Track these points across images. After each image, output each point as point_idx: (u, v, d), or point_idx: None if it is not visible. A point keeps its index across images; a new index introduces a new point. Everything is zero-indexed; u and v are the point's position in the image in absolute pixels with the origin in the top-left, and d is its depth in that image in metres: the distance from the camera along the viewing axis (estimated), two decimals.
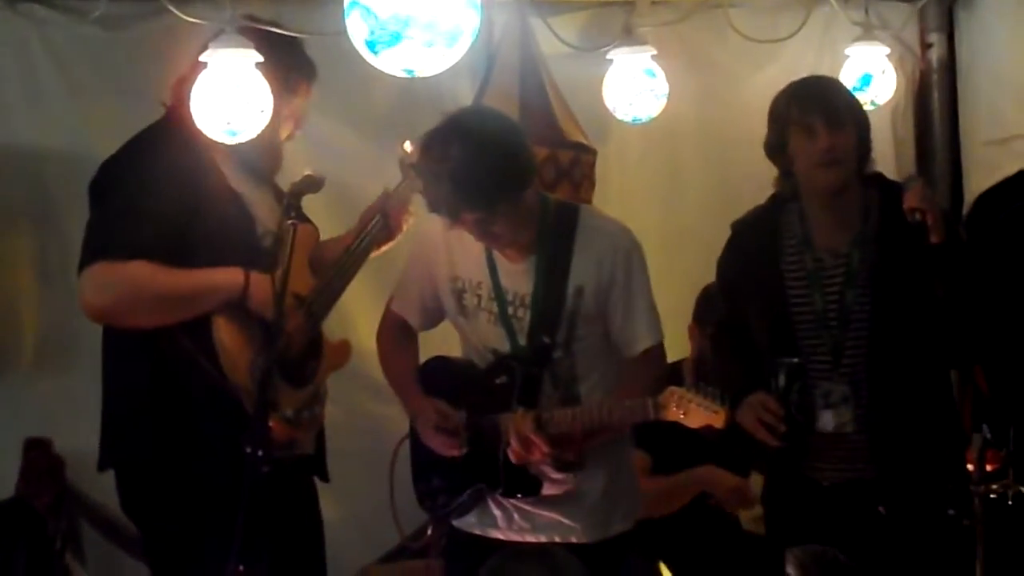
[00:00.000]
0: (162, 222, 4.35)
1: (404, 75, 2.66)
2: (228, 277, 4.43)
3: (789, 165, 4.64)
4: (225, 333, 4.42)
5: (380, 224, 4.86)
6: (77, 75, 5.71)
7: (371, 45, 2.59)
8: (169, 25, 5.08)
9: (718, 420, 4.25)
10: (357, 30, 2.59)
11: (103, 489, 4.89)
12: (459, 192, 4.19)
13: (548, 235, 4.51)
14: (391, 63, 2.60)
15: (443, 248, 4.62)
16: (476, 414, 4.55)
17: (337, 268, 4.81)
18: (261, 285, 4.35)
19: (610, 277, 4.50)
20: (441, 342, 4.97)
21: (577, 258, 4.49)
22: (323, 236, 4.95)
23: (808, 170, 4.55)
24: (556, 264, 4.49)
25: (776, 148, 4.67)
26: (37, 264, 5.74)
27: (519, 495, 4.55)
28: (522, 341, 4.52)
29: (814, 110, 4.49)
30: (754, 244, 4.78)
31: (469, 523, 4.68)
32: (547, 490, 4.52)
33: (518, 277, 4.51)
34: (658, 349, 4.62)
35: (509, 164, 4.27)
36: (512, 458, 4.43)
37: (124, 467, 4.61)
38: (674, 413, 4.27)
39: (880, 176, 4.74)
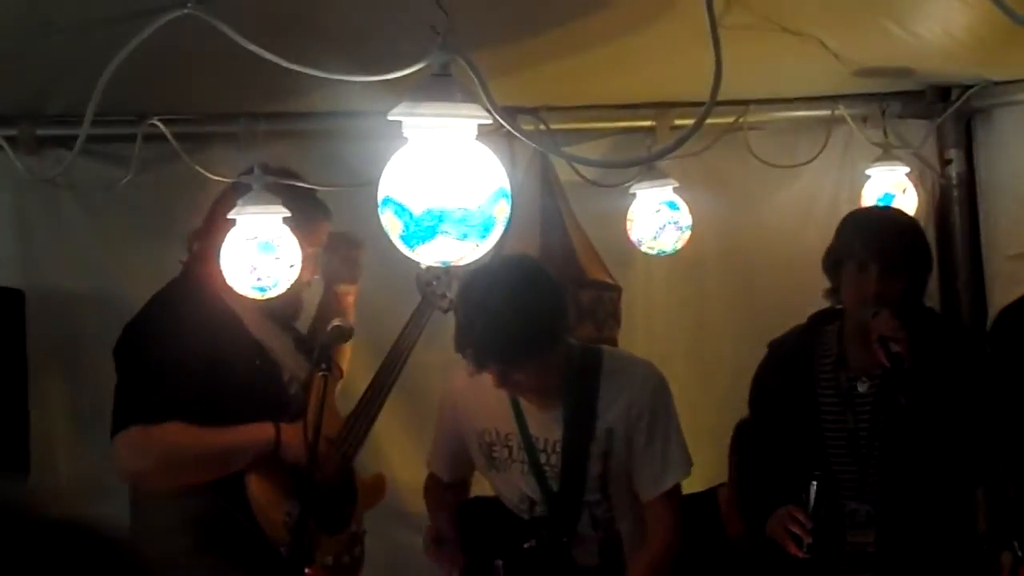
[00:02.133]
0: (191, 381, 4.41)
1: (440, 265, 2.69)
2: (260, 432, 4.48)
3: (838, 286, 4.66)
4: (257, 488, 4.46)
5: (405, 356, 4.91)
6: (104, 218, 5.76)
7: (406, 240, 2.62)
8: (193, 168, 5.12)
9: None
10: (392, 226, 2.62)
11: None
12: (490, 343, 4.19)
13: (574, 380, 4.53)
14: (427, 256, 2.63)
15: (470, 403, 4.66)
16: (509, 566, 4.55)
17: (364, 408, 4.86)
18: (292, 435, 4.42)
19: (637, 417, 4.52)
20: None
21: (604, 401, 4.52)
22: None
23: (853, 303, 4.58)
24: (584, 408, 4.51)
25: (830, 267, 4.71)
26: (70, 408, 5.77)
27: None
28: (555, 487, 4.53)
29: (874, 251, 4.53)
30: (790, 363, 4.82)
31: None
32: None
33: (547, 424, 4.53)
34: (678, 490, 4.65)
35: (544, 323, 4.29)
36: None
37: None
38: None
39: (925, 308, 4.77)
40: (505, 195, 2.70)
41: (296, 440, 4.43)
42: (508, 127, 2.64)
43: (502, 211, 2.69)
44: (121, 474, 4.50)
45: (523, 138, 2.65)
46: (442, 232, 2.59)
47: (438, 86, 2.61)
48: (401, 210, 2.60)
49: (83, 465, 5.66)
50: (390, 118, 2.65)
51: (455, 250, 2.65)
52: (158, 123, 5.05)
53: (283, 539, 4.40)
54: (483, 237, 2.66)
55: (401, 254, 2.73)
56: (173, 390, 4.38)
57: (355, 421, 4.87)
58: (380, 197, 2.66)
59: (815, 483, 4.52)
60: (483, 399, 4.58)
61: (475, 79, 2.58)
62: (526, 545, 4.53)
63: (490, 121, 2.65)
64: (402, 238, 2.63)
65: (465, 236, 2.62)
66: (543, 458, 4.53)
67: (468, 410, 4.65)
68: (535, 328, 4.24)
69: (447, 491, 4.88)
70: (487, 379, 4.43)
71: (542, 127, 5.80)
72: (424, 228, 2.59)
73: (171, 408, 4.36)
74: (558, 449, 4.52)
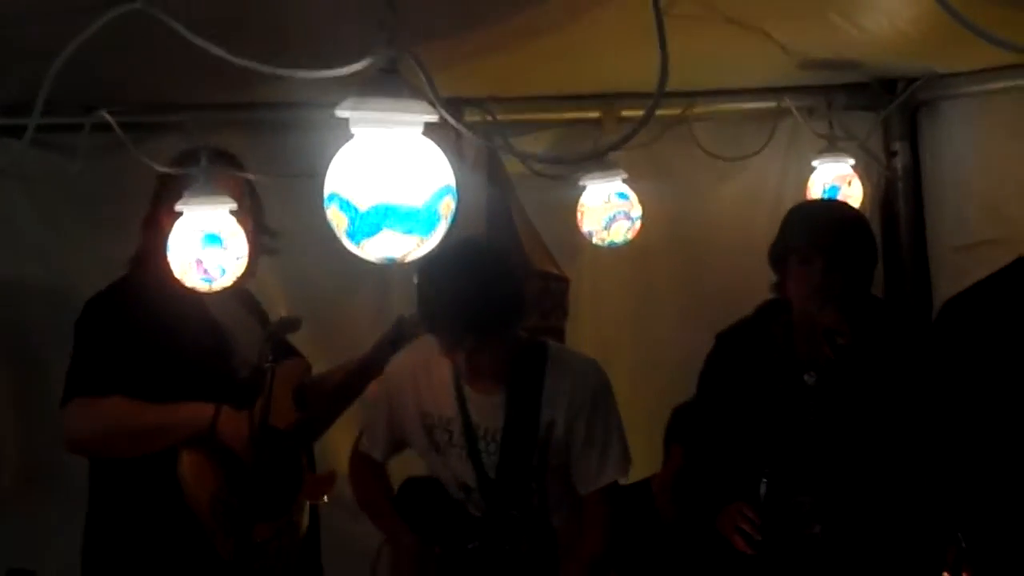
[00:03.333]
0: (136, 356, 4.51)
1: (384, 263, 2.70)
2: (198, 411, 4.54)
3: (783, 279, 4.70)
4: (188, 465, 4.51)
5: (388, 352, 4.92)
6: (51, 207, 5.74)
7: (351, 236, 2.63)
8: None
9: None
10: (337, 221, 2.63)
11: None
12: (461, 317, 4.23)
13: (519, 369, 4.55)
14: (371, 252, 2.64)
15: (410, 384, 4.65)
16: (447, 556, 4.61)
17: (328, 403, 4.89)
18: (231, 418, 4.46)
19: (577, 411, 4.54)
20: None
21: (547, 392, 4.54)
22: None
23: (798, 297, 4.62)
24: (527, 398, 4.53)
25: (776, 260, 4.75)
26: (17, 397, 5.77)
27: None
28: (491, 475, 4.55)
29: (818, 245, 4.56)
30: (738, 355, 4.85)
31: None
32: None
33: (489, 411, 4.54)
34: (615, 485, 4.68)
35: (513, 296, 4.35)
36: None
37: None
38: None
39: (871, 298, 4.80)
40: (451, 192, 2.71)
41: (233, 423, 4.49)
42: (456, 125, 2.65)
43: (447, 207, 2.70)
44: (66, 443, 4.60)
45: (469, 134, 2.66)
46: (387, 227, 2.60)
47: (385, 82, 2.61)
48: (346, 206, 2.61)
49: (31, 451, 5.66)
50: (337, 114, 2.66)
51: (400, 246, 2.66)
52: (106, 115, 5.04)
53: (207, 517, 4.50)
54: (428, 233, 2.67)
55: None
56: (118, 364, 4.50)
57: (309, 419, 4.90)
58: (326, 193, 2.66)
59: (765, 480, 4.55)
60: (427, 382, 4.61)
61: (422, 76, 2.59)
62: (470, 546, 4.56)
63: (437, 118, 2.66)
64: (347, 233, 2.63)
65: (410, 232, 2.63)
66: (482, 445, 4.55)
67: (411, 392, 4.65)
68: (506, 299, 4.31)
69: (377, 471, 4.89)
70: (431, 362, 4.52)
71: (488, 118, 5.79)
72: (369, 224, 2.60)
73: (114, 382, 4.48)
74: (498, 438, 4.54)
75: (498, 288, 4.28)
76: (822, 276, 4.52)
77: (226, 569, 4.38)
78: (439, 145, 2.75)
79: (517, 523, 4.56)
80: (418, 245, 2.68)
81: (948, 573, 4.61)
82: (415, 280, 4.35)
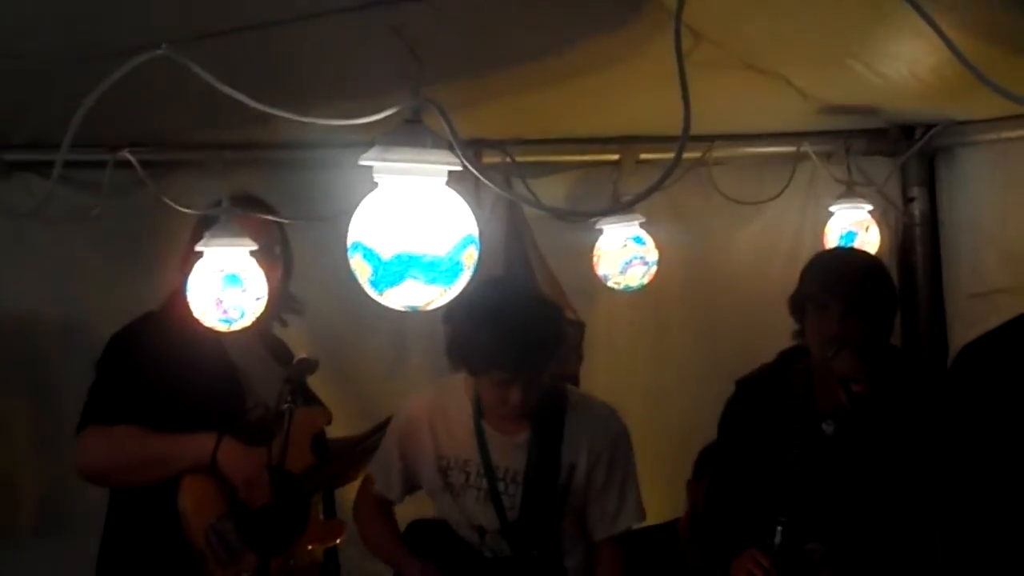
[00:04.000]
0: (151, 392, 4.59)
1: (407, 311, 2.71)
2: (200, 442, 4.61)
3: (803, 328, 4.72)
4: (188, 494, 4.57)
5: None
6: (69, 243, 5.75)
7: (375, 284, 2.64)
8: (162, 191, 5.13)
9: None
10: (361, 270, 2.65)
11: None
12: (503, 350, 4.24)
13: (542, 412, 4.55)
14: (395, 301, 2.66)
15: (427, 427, 4.66)
16: None
17: (341, 454, 4.91)
18: (231, 450, 4.51)
19: (598, 457, 4.56)
20: None
21: (569, 436, 4.55)
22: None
23: (816, 344, 4.62)
24: (550, 440, 4.54)
25: (795, 308, 4.76)
26: (33, 430, 5.78)
27: None
28: (512, 517, 4.55)
29: (835, 294, 4.57)
30: (758, 403, 4.85)
31: None
32: None
33: (511, 453, 4.55)
34: (630, 532, 4.71)
35: (555, 328, 4.41)
36: None
37: None
38: None
39: (889, 347, 4.80)
40: (473, 241, 2.73)
41: (234, 455, 4.56)
42: (478, 175, 2.66)
43: (470, 257, 2.71)
44: (79, 470, 4.68)
45: (493, 187, 2.67)
46: (410, 277, 2.62)
47: (409, 132, 2.64)
48: (370, 255, 2.63)
49: (44, 486, 5.67)
50: (361, 163, 2.67)
51: (423, 295, 2.67)
52: (128, 155, 5.07)
53: (201, 544, 4.56)
54: (451, 283, 2.69)
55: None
56: (131, 396, 4.59)
57: (324, 465, 4.92)
58: (349, 242, 2.68)
59: (780, 528, 4.55)
60: (443, 424, 4.62)
61: (445, 125, 2.60)
62: None
63: (460, 168, 2.68)
64: (371, 282, 2.65)
65: (433, 281, 2.65)
66: (501, 486, 4.55)
67: (427, 433, 4.65)
68: (550, 334, 4.39)
69: (387, 512, 4.91)
70: (447, 404, 4.59)
71: (507, 159, 5.81)
72: (392, 273, 2.62)
73: (126, 411, 4.58)
74: (518, 479, 4.54)
75: (537, 321, 4.32)
76: (838, 324, 4.53)
77: None
78: (458, 189, 2.77)
79: (537, 564, 4.55)
80: (441, 294, 2.70)
81: None
82: (446, 324, 4.37)
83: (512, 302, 4.34)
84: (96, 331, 4.95)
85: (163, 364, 4.61)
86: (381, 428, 4.92)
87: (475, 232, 2.73)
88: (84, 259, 5.79)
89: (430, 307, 2.73)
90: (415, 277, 2.62)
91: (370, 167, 2.71)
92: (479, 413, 4.55)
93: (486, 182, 2.66)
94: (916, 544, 4.75)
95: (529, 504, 4.53)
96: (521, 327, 4.23)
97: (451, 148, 2.65)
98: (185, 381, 4.62)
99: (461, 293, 2.74)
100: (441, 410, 4.59)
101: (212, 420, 4.64)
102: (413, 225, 2.63)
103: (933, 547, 4.92)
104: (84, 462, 4.64)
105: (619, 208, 5.63)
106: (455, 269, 2.67)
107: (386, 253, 2.61)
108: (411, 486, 4.80)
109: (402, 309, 2.72)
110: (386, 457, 4.80)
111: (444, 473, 4.62)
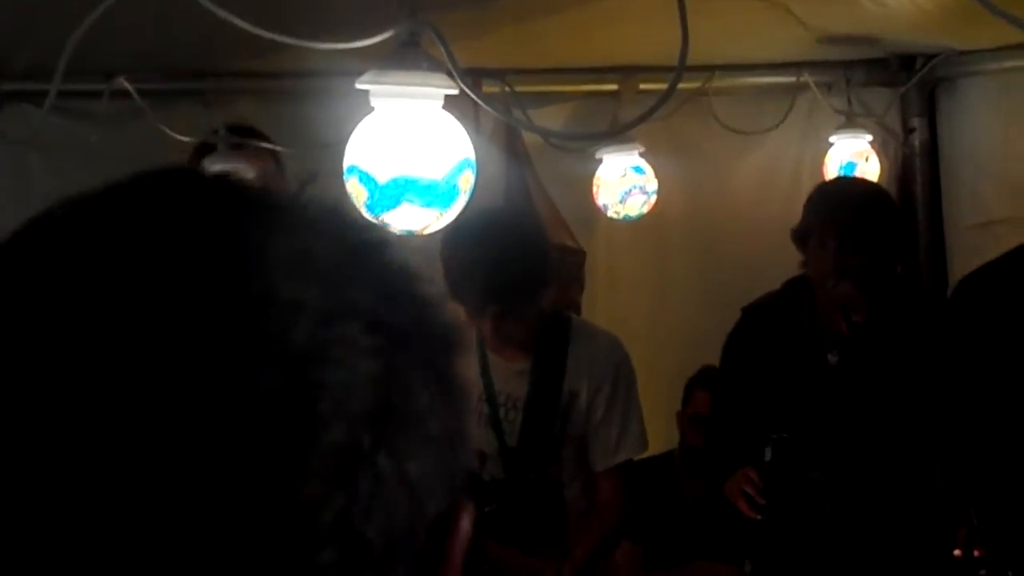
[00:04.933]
0: None
1: (403, 235, 2.70)
2: None
3: (807, 258, 4.73)
4: None
5: None
6: (69, 175, 5.72)
7: (371, 208, 2.63)
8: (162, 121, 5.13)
9: None
10: (357, 193, 2.64)
11: None
12: (492, 283, 4.23)
13: (544, 340, 4.55)
14: (391, 224, 2.65)
15: None
16: None
17: None
18: None
19: (599, 385, 4.55)
20: None
21: (571, 364, 4.54)
22: None
23: (818, 275, 4.62)
24: (552, 367, 4.53)
25: (798, 239, 4.75)
26: None
27: None
28: (511, 443, 4.55)
29: (831, 227, 4.57)
30: (764, 331, 4.85)
31: None
32: None
33: (513, 379, 4.55)
34: (630, 463, 4.69)
35: (542, 262, 4.37)
36: None
37: None
38: None
39: (894, 276, 4.81)
40: (470, 165, 2.72)
41: None
42: (475, 97, 2.65)
43: (467, 181, 2.71)
44: None
45: (489, 108, 2.66)
46: (407, 200, 2.61)
47: (405, 55, 2.62)
48: (366, 178, 2.62)
49: None
50: (358, 86, 2.66)
51: (419, 219, 2.67)
52: (125, 83, 5.04)
53: None
54: (447, 207, 2.69)
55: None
56: None
57: None
58: (345, 165, 2.67)
59: (771, 446, 4.55)
60: None
61: (442, 48, 2.59)
62: (487, 509, 4.55)
63: (457, 91, 2.67)
64: (367, 206, 2.64)
65: (429, 205, 2.64)
66: (502, 412, 4.55)
67: None
68: (535, 264, 4.33)
69: None
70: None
71: (506, 90, 5.79)
72: (389, 196, 2.61)
73: None
74: (519, 406, 4.54)
75: (521, 255, 4.28)
76: (836, 256, 4.52)
77: None
78: (457, 116, 2.76)
79: (536, 487, 4.56)
80: (437, 218, 2.69)
81: (960, 551, 4.59)
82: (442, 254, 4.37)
83: (490, 236, 4.30)
84: None
85: None
86: None
87: (472, 156, 2.72)
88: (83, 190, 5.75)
89: (427, 231, 2.73)
90: (411, 201, 2.61)
91: (368, 94, 2.70)
92: (482, 339, 4.55)
93: (484, 105, 2.66)
94: (916, 474, 4.75)
95: (528, 430, 4.53)
96: (489, 263, 4.21)
97: (448, 73, 2.64)
98: None
99: (454, 222, 2.72)
100: None
101: None
102: (409, 148, 2.62)
103: (933, 477, 4.92)
104: None
105: (617, 131, 5.60)
106: (451, 193, 2.67)
107: (382, 177, 2.60)
108: None
109: (398, 233, 2.71)
110: None
111: None
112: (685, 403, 5.85)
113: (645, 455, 4.94)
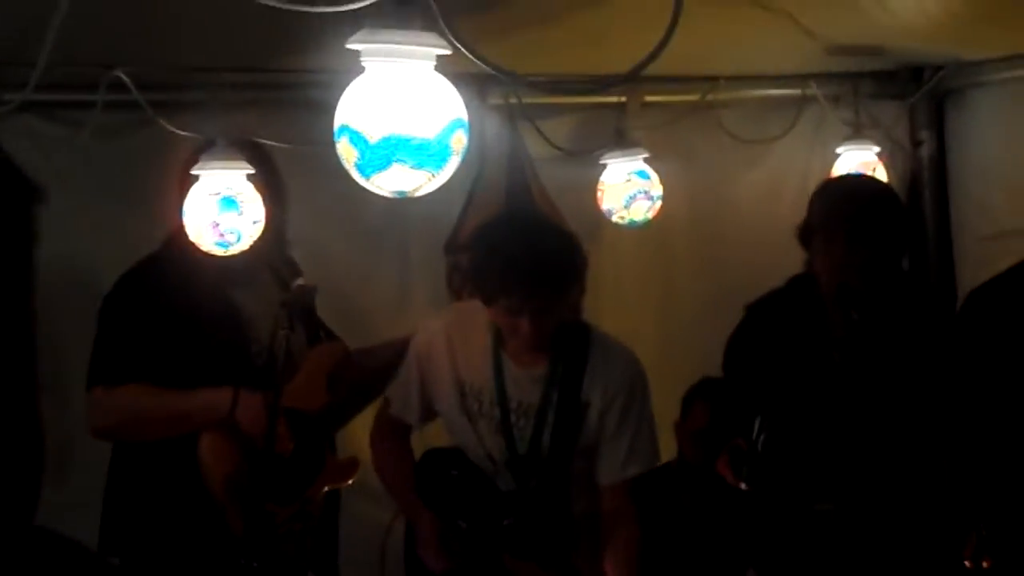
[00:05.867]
0: (153, 348, 4.51)
1: (395, 196, 2.66)
2: (216, 398, 4.50)
3: (811, 256, 4.70)
4: (207, 446, 4.49)
5: None
6: (73, 184, 5.72)
7: (361, 169, 2.59)
8: (162, 133, 5.15)
9: None
10: (347, 154, 2.60)
11: None
12: (537, 275, 4.18)
13: (562, 346, 4.50)
14: (382, 186, 2.60)
15: (445, 349, 4.57)
16: (473, 531, 4.53)
17: (360, 389, 4.86)
18: (250, 405, 4.43)
19: (613, 398, 4.49)
20: None
21: (588, 375, 4.49)
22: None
23: (823, 272, 4.58)
24: (567, 377, 4.48)
25: (803, 236, 4.72)
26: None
27: None
28: (521, 450, 4.49)
29: (838, 221, 4.54)
30: (768, 327, 4.81)
31: None
32: None
33: (527, 385, 4.49)
34: (638, 478, 4.63)
35: (579, 252, 4.35)
36: None
37: (123, 556, 4.73)
38: None
39: (900, 273, 4.82)
40: (463, 126, 2.67)
41: (253, 409, 4.46)
42: (472, 56, 2.61)
43: (459, 142, 2.66)
44: (92, 432, 4.61)
45: (487, 67, 2.61)
46: (398, 161, 2.57)
47: (397, 14, 2.59)
48: (357, 138, 2.57)
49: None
50: (348, 46, 2.63)
51: (410, 180, 2.62)
52: (122, 75, 5.03)
53: (220, 494, 4.46)
54: (439, 167, 2.64)
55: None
56: (136, 351, 4.50)
57: (340, 404, 4.87)
58: (336, 125, 2.63)
59: (759, 417, 4.50)
60: (463, 348, 4.54)
61: (433, 6, 2.56)
62: (505, 523, 4.50)
63: (450, 51, 2.63)
64: (357, 167, 2.60)
65: (421, 166, 2.60)
66: (513, 417, 4.49)
67: (447, 356, 4.57)
68: (574, 258, 4.32)
69: (404, 439, 4.81)
70: (468, 329, 4.51)
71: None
72: (380, 157, 2.56)
73: (131, 370, 4.49)
74: (530, 413, 4.48)
75: (561, 247, 4.28)
76: (843, 251, 4.49)
77: (238, 549, 4.34)
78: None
79: (537, 498, 4.51)
80: (429, 179, 2.64)
81: (969, 560, 4.54)
82: (448, 255, 4.34)
83: (526, 230, 4.32)
84: (99, 271, 4.92)
85: (165, 317, 4.54)
86: (395, 345, 4.86)
87: (464, 117, 2.68)
88: (87, 200, 5.74)
89: (418, 193, 2.67)
90: (402, 161, 2.57)
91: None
92: (499, 343, 4.50)
93: (480, 63, 2.61)
94: (925, 481, 4.70)
95: (538, 439, 4.47)
96: (532, 254, 4.16)
97: (441, 33, 2.61)
98: (188, 335, 4.56)
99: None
100: (461, 334, 4.53)
101: (217, 371, 4.57)
102: (401, 107, 2.58)
103: (941, 484, 4.87)
104: (96, 424, 4.58)
105: (621, 143, 5.61)
106: (443, 153, 2.62)
107: (373, 136, 2.56)
108: (429, 409, 4.70)
109: (389, 195, 2.66)
110: (405, 378, 4.70)
111: (462, 396, 4.55)
112: (684, 417, 5.82)
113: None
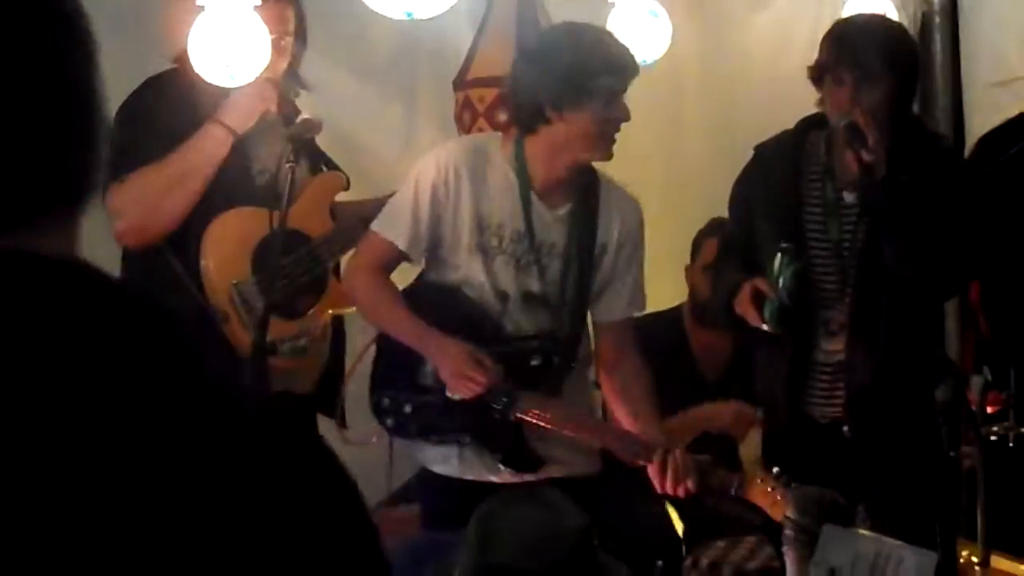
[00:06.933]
0: (152, 131, 4.55)
1: (404, 17, 2.64)
2: (206, 133, 4.57)
3: (823, 97, 4.67)
4: (211, 257, 4.55)
5: None
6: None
7: None
8: None
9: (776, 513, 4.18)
10: None
11: None
12: (626, 52, 4.48)
13: (580, 188, 4.56)
14: (391, 6, 2.60)
15: (467, 179, 4.45)
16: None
17: (360, 219, 4.83)
18: (238, 104, 4.59)
19: (624, 239, 4.58)
20: None
21: (602, 217, 4.55)
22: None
23: (833, 114, 4.56)
24: (588, 218, 4.54)
25: (815, 77, 4.68)
26: None
27: (517, 469, 4.46)
28: (542, 290, 4.51)
29: (848, 61, 4.50)
30: (776, 167, 4.79)
31: (445, 467, 4.58)
32: (547, 472, 4.46)
33: (551, 224, 4.51)
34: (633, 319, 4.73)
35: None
36: (668, 491, 4.40)
37: None
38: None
39: (909, 116, 4.80)
40: None
41: (241, 106, 4.59)
42: None
43: None
44: (116, 237, 4.59)
45: None
46: None
47: None
48: None
49: None
50: None
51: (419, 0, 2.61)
52: None
53: (224, 309, 4.52)
54: None
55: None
56: (137, 145, 4.49)
57: (339, 230, 4.85)
58: None
59: (780, 253, 4.49)
60: (483, 183, 4.48)
61: None
62: (533, 363, 4.49)
63: None
64: None
65: None
66: (537, 257, 4.51)
67: (468, 186, 4.46)
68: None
69: (388, 276, 4.64)
70: (488, 166, 4.49)
71: None
72: None
73: (134, 159, 4.48)
74: (554, 252, 4.50)
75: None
76: (852, 91, 4.46)
77: (240, 362, 4.34)
78: None
79: (575, 339, 4.57)
80: None
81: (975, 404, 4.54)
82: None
83: (582, 27, 4.53)
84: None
85: (163, 130, 4.56)
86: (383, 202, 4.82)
87: None
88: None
89: (427, 13, 2.66)
90: None
91: None
92: (527, 182, 4.48)
93: None
94: (928, 321, 4.72)
95: (565, 278, 4.52)
96: (613, 36, 4.54)
97: None
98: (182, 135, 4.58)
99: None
100: (479, 168, 4.46)
101: (219, 187, 4.60)
102: None
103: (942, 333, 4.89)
104: (117, 223, 4.53)
105: None
106: None
107: None
108: (421, 238, 4.50)
109: (399, 16, 2.65)
110: (414, 205, 4.47)
111: (480, 231, 4.48)
112: (694, 257, 5.82)
113: (652, 310, 5.03)
